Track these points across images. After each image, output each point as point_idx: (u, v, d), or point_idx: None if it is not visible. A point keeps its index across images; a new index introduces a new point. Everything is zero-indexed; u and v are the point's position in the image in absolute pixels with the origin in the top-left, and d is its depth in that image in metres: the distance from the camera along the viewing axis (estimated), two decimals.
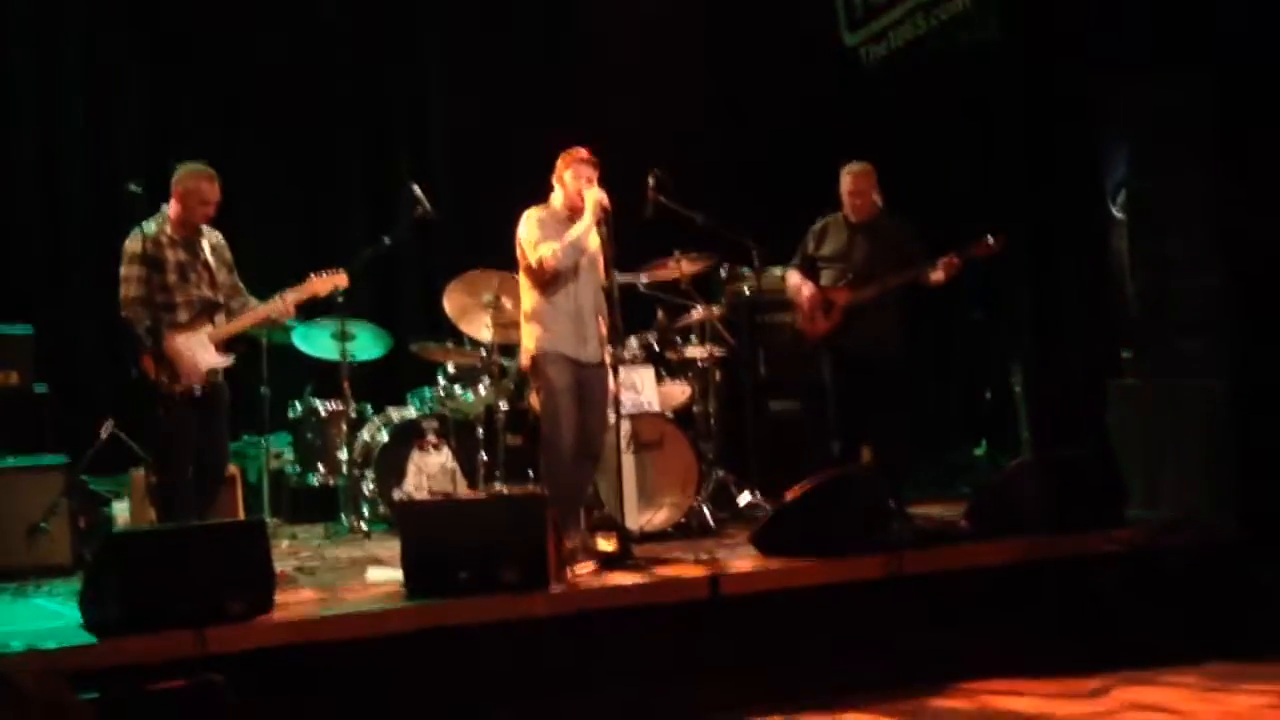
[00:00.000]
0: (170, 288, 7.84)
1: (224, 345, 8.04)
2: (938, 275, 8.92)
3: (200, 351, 7.87)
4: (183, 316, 7.87)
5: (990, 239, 8.86)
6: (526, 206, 8.40)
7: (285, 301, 8.16)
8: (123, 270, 7.85)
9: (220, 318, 8.06)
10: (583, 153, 8.26)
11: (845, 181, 9.16)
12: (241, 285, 8.23)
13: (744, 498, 9.56)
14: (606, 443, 8.30)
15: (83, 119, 10.57)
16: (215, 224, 8.16)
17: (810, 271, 9.30)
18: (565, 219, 8.25)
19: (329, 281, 8.45)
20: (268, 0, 11.07)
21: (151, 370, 7.72)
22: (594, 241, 8.26)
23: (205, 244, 8.03)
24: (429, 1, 11.74)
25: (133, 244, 7.83)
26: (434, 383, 10.02)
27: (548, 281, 8.20)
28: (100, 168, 10.39)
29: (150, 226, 7.84)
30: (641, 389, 9.34)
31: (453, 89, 11.75)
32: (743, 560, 7.75)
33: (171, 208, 7.92)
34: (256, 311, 8.14)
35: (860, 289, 9.03)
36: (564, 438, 8.18)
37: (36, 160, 10.44)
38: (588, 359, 8.28)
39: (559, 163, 8.29)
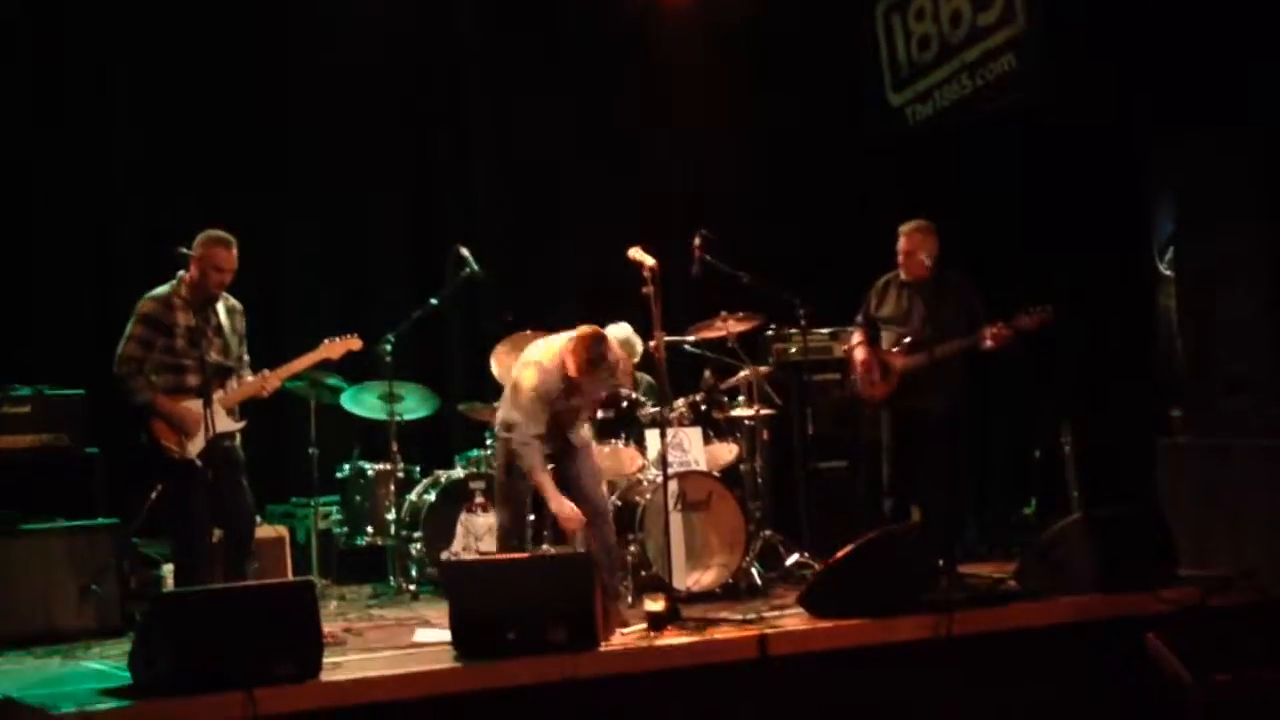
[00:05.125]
0: (179, 352, 7.84)
1: (234, 411, 8.06)
2: (988, 345, 8.87)
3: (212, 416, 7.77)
4: (192, 381, 7.82)
5: (1038, 309, 8.80)
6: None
7: (271, 375, 8.18)
8: (127, 328, 7.90)
9: (232, 383, 8.06)
10: (586, 357, 8.10)
11: (900, 242, 9.12)
12: (248, 359, 8.24)
13: (792, 557, 9.54)
14: (654, 502, 8.34)
15: (134, 185, 10.66)
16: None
17: (872, 331, 9.29)
18: (563, 388, 8.20)
19: (342, 345, 8.51)
20: (319, 65, 11.16)
21: (161, 436, 7.79)
22: (592, 405, 8.53)
23: (221, 309, 8.03)
24: (478, 66, 11.81)
25: (142, 305, 7.90)
26: (481, 444, 10.04)
27: None
28: (152, 233, 10.45)
29: (162, 289, 7.90)
30: (689, 448, 9.34)
31: (501, 153, 11.82)
32: (791, 620, 7.71)
33: (189, 272, 7.90)
34: (248, 384, 8.13)
35: (915, 355, 8.99)
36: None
37: (88, 225, 10.52)
38: (547, 450, 8.39)
39: (579, 347, 8.12)
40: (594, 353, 8.09)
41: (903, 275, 9.18)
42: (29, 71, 10.34)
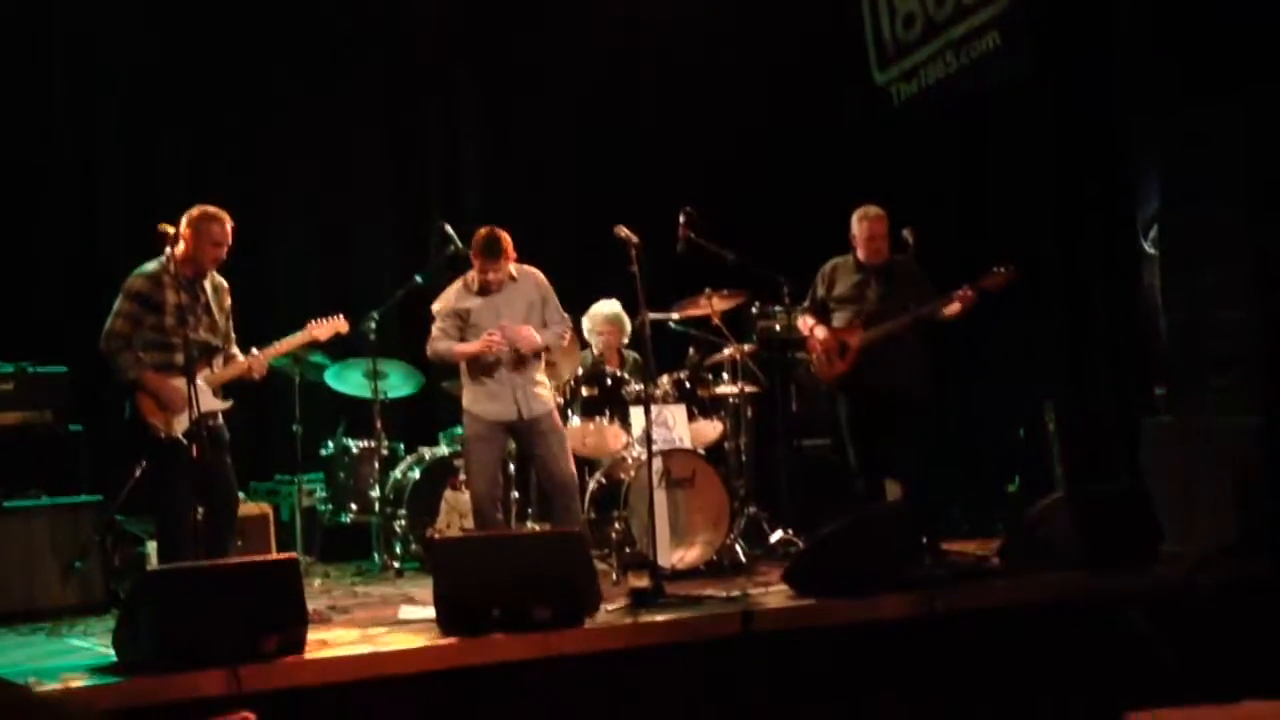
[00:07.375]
0: (167, 330, 7.73)
1: (220, 391, 8.00)
2: (953, 308, 8.94)
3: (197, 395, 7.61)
4: (180, 359, 7.64)
5: (1001, 269, 8.89)
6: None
7: (259, 356, 8.09)
8: (115, 304, 7.80)
9: (218, 361, 7.99)
10: (476, 244, 8.48)
11: (862, 226, 9.23)
12: (234, 335, 8.16)
13: (776, 534, 9.55)
14: (638, 480, 8.33)
15: (119, 161, 10.64)
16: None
17: (822, 314, 9.34)
18: (474, 291, 8.56)
19: (328, 327, 8.46)
20: (301, 43, 11.13)
21: (148, 413, 7.73)
22: (516, 306, 8.52)
23: (208, 286, 7.94)
24: (463, 46, 11.79)
25: (132, 281, 7.80)
26: None
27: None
28: (136, 209, 10.43)
29: (151, 266, 7.79)
30: (673, 426, 9.34)
31: (485, 129, 11.80)
32: (775, 597, 7.72)
33: (179, 248, 7.74)
34: (236, 365, 8.07)
35: (874, 328, 9.06)
36: (473, 484, 8.58)
37: (73, 203, 10.50)
38: (504, 417, 8.48)
39: (474, 239, 8.52)
40: (485, 240, 8.42)
41: (863, 258, 9.25)
42: (17, 58, 10.32)
